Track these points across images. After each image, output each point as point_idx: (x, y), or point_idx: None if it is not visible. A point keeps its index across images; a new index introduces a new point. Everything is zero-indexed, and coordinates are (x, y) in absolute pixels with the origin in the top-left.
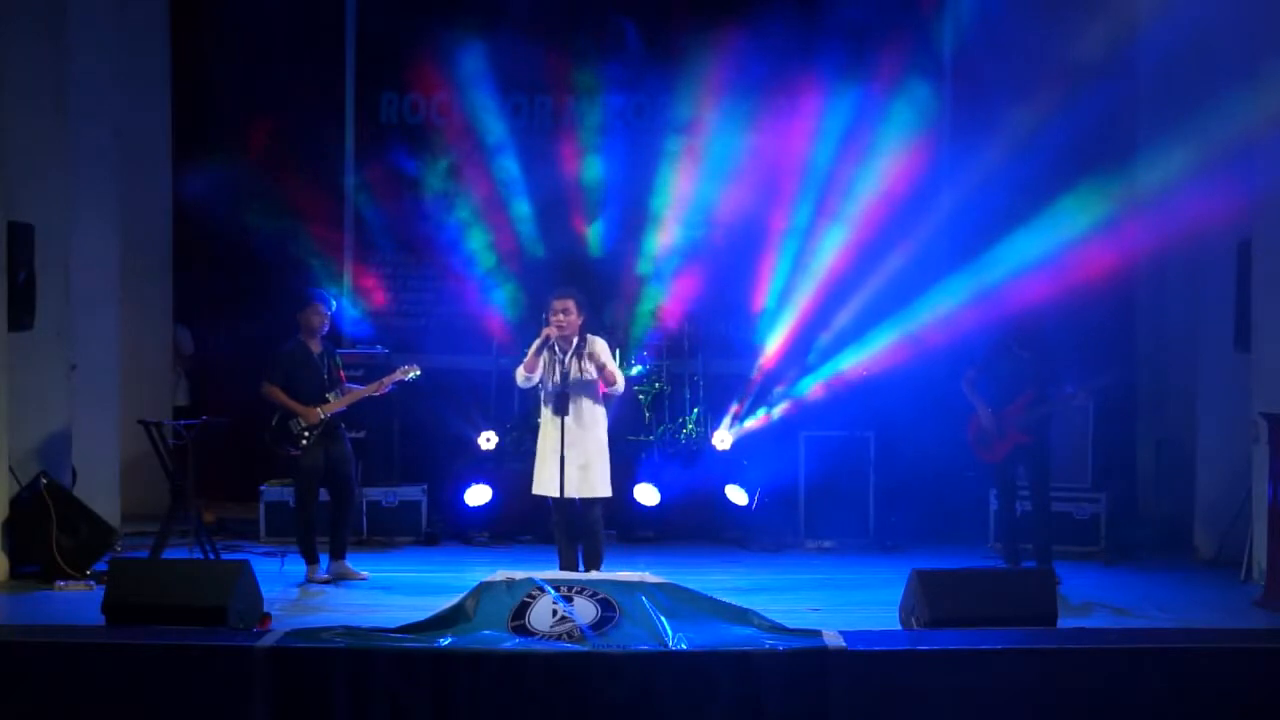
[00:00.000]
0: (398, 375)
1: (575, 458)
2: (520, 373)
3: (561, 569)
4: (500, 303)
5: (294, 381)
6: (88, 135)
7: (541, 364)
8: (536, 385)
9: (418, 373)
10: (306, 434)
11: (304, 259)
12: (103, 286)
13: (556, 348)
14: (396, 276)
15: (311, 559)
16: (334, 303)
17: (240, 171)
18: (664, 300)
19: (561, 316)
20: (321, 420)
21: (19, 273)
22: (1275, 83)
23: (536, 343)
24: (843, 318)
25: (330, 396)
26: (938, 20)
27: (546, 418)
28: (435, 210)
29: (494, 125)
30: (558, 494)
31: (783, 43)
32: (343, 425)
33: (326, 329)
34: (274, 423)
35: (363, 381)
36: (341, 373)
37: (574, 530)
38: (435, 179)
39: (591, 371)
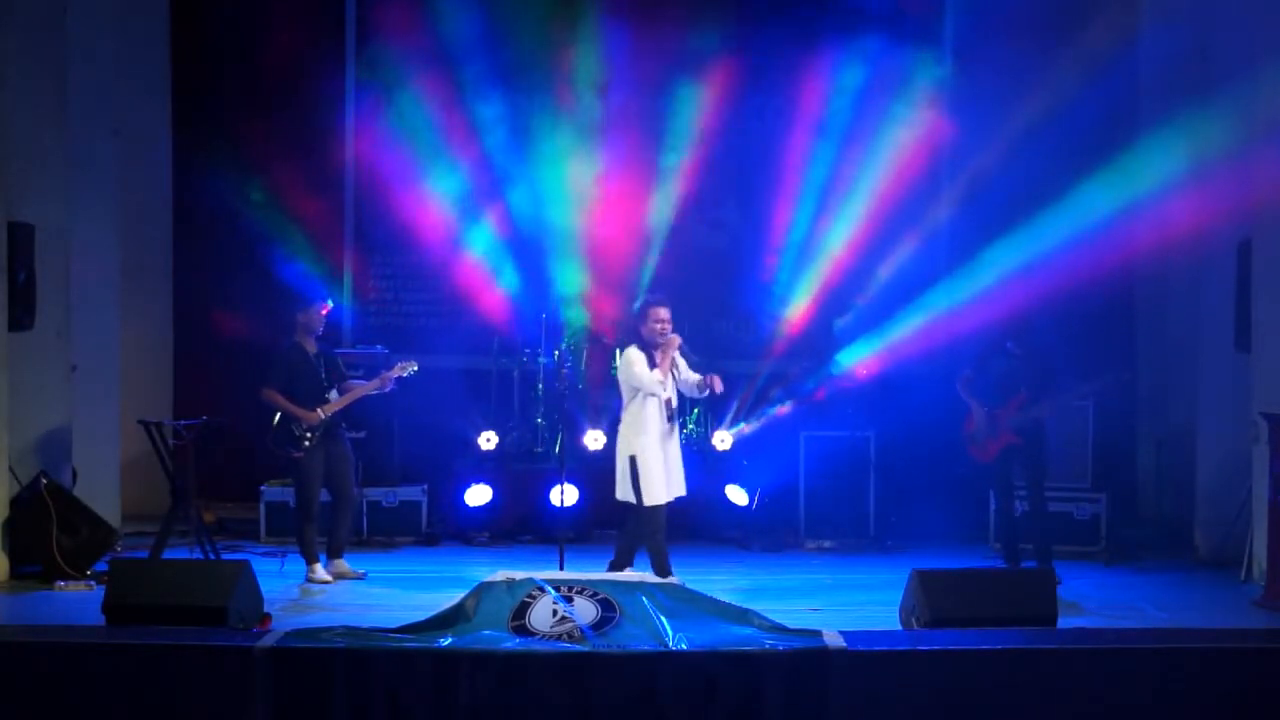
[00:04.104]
0: (396, 372)
1: (676, 461)
2: (657, 376)
3: (659, 573)
4: (501, 302)
5: (293, 384)
6: (88, 135)
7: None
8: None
9: (415, 368)
10: (308, 436)
11: (304, 258)
12: (103, 286)
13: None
14: (397, 275)
15: (312, 559)
16: (331, 302)
17: (240, 171)
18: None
19: (667, 324)
20: (322, 421)
21: (19, 273)
22: (1275, 83)
23: (670, 350)
24: (842, 317)
25: (329, 397)
26: (938, 24)
27: (652, 426)
28: (436, 209)
29: (495, 123)
30: (669, 498)
31: (781, 34)
32: (342, 425)
33: (321, 330)
34: (275, 424)
35: (363, 380)
36: (342, 371)
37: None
38: (436, 178)
39: (688, 375)
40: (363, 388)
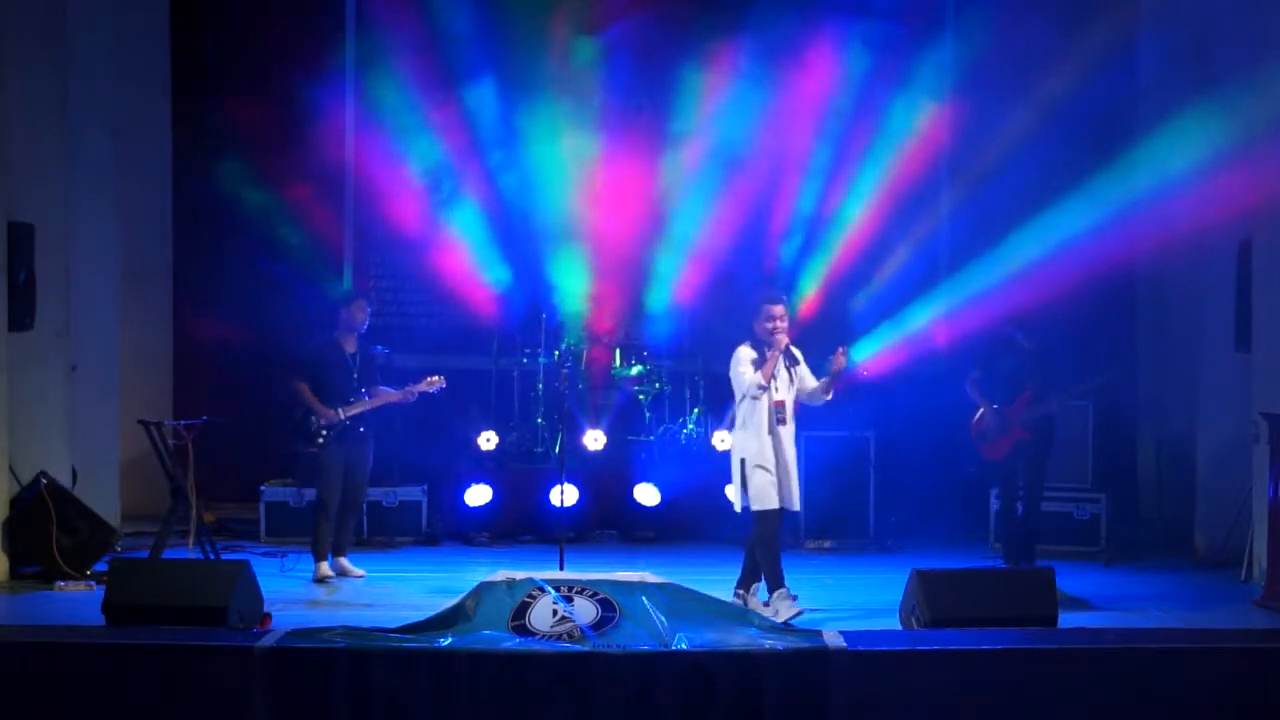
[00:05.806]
0: (423, 386)
1: (790, 468)
2: (758, 379)
3: (771, 584)
4: (501, 301)
5: (322, 379)
6: (88, 135)
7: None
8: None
9: (443, 384)
10: (324, 433)
11: (304, 258)
12: (103, 286)
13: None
14: (397, 275)
15: (321, 556)
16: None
17: (240, 171)
18: (666, 299)
19: (780, 322)
20: (339, 421)
21: (19, 273)
22: (1274, 82)
23: (777, 352)
24: (843, 316)
25: (353, 399)
26: (940, 20)
27: (763, 429)
28: (436, 207)
29: (495, 120)
30: (792, 506)
31: (783, 22)
32: (363, 429)
33: (365, 327)
34: (296, 418)
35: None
36: (377, 374)
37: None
38: (436, 175)
39: (808, 380)
40: (388, 395)
